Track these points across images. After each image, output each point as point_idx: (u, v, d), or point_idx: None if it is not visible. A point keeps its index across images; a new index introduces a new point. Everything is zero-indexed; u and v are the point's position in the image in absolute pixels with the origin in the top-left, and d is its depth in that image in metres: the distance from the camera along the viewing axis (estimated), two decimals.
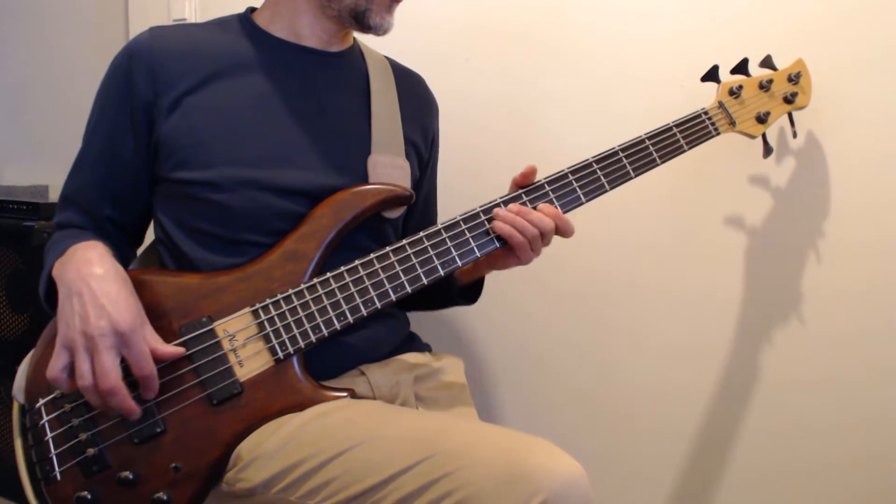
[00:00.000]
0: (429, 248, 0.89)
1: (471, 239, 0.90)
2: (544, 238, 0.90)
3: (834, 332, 1.05)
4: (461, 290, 1.05)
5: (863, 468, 1.04)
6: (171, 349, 0.81)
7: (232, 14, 1.00)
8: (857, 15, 1.01)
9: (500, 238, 0.90)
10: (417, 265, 0.88)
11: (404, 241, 0.89)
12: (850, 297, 1.04)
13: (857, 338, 1.04)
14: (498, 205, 0.91)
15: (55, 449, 0.81)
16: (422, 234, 0.89)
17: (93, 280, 0.80)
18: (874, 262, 1.02)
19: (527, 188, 0.92)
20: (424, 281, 0.88)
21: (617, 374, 1.21)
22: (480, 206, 0.91)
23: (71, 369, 0.79)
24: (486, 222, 0.91)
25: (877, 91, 1.01)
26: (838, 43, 1.03)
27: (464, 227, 0.90)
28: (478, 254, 0.90)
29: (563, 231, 0.91)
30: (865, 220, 1.03)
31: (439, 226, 0.90)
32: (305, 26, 0.97)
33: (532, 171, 0.92)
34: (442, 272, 0.89)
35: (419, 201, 1.08)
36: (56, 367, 0.78)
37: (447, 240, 0.89)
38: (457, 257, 0.89)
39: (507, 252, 0.92)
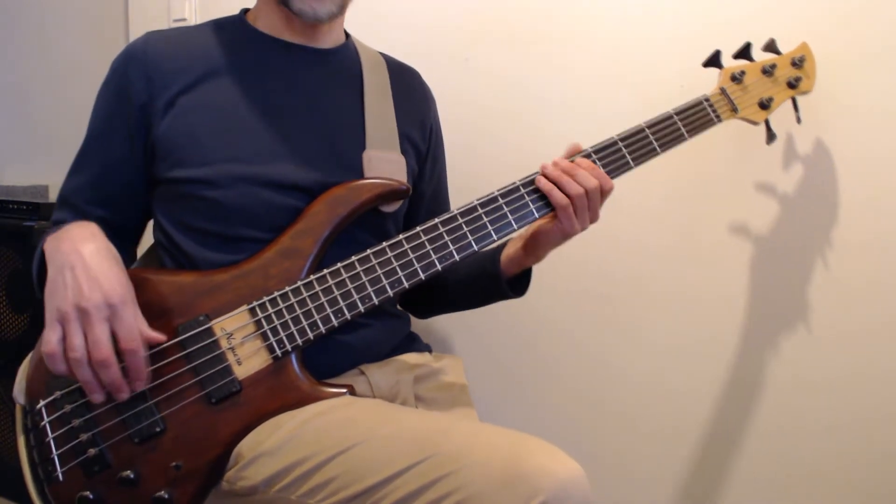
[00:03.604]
0: (426, 243, 0.88)
1: (468, 233, 0.88)
2: (589, 196, 0.87)
3: (837, 333, 1.04)
4: (510, 281, 0.98)
5: (867, 469, 1.02)
6: (156, 334, 0.80)
7: (228, 15, 1.01)
8: (867, 7, 1.00)
9: (498, 231, 0.89)
10: (414, 260, 0.87)
11: (401, 237, 0.88)
12: (854, 297, 1.02)
13: (861, 338, 1.02)
14: (495, 198, 0.89)
15: (56, 450, 0.81)
16: (418, 228, 0.88)
17: (87, 254, 0.80)
18: (878, 262, 1.01)
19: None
20: (422, 276, 0.87)
21: (617, 375, 1.19)
22: (478, 200, 0.90)
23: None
24: (483, 217, 0.89)
25: (880, 87, 0.99)
26: (845, 36, 1.01)
27: (461, 220, 0.89)
28: (475, 247, 0.88)
29: (604, 186, 0.88)
30: (869, 220, 1.01)
31: (429, 223, 0.88)
32: (274, 19, 0.97)
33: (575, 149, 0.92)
34: (440, 266, 0.87)
35: (426, 196, 1.07)
36: (52, 340, 0.76)
37: (444, 234, 0.88)
38: (454, 251, 0.88)
39: (548, 224, 0.89)
